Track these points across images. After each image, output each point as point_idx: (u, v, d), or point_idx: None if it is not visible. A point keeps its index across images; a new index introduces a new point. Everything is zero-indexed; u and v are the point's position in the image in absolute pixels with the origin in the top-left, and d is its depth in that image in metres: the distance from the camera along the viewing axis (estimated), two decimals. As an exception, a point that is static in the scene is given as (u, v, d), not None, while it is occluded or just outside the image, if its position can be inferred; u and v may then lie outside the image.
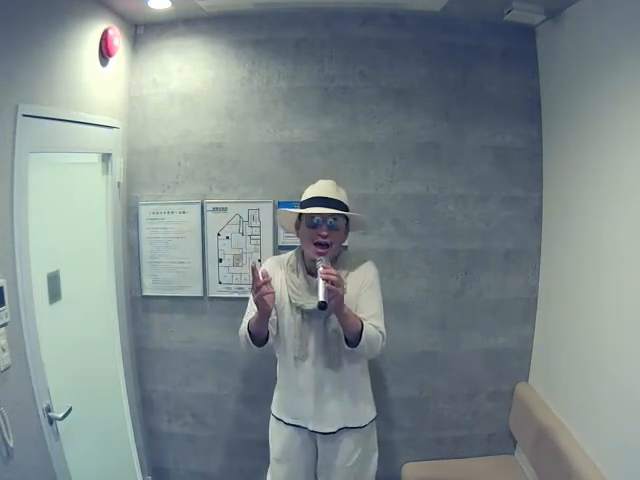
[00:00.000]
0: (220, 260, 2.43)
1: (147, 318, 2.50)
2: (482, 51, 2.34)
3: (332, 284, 1.59)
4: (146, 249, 2.45)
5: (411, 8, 2.23)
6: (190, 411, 2.55)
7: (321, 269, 1.65)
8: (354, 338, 1.70)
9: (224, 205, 2.40)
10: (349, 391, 1.87)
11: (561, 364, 2.17)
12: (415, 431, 2.54)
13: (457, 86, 2.35)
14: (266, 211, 2.39)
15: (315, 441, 1.91)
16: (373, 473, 2.00)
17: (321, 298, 1.58)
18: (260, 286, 1.59)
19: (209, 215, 2.41)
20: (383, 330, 1.79)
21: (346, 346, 1.75)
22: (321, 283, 1.61)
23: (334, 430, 1.85)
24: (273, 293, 1.65)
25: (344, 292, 1.65)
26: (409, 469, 2.49)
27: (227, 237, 2.42)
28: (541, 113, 2.37)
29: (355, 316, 1.72)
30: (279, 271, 1.88)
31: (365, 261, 1.92)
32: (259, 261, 2.38)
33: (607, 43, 1.81)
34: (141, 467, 2.43)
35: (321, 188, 1.83)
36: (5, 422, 1.42)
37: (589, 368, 1.93)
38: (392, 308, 2.44)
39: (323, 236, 1.75)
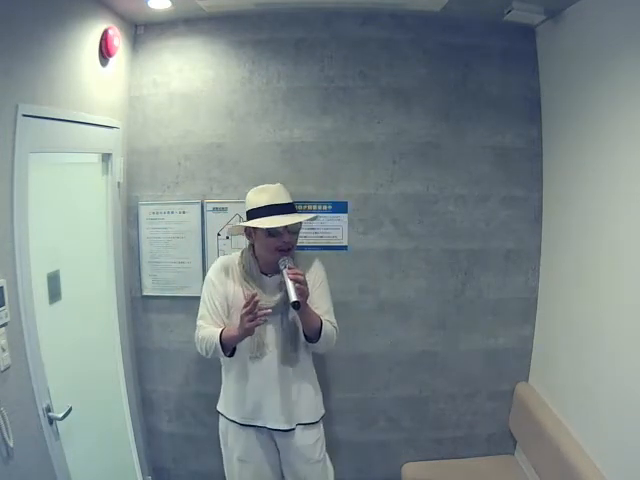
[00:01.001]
0: (218, 258, 2.42)
1: (147, 318, 2.50)
2: (482, 51, 2.34)
3: (300, 283, 1.67)
4: (146, 249, 2.45)
5: (411, 8, 2.23)
6: (190, 411, 2.55)
7: (287, 270, 1.71)
8: (314, 334, 1.79)
9: (224, 205, 2.40)
10: (302, 386, 1.92)
11: (561, 364, 2.17)
12: (415, 431, 2.54)
13: (457, 86, 2.35)
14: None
15: (274, 439, 1.94)
16: (332, 472, 2.06)
17: (295, 298, 1.65)
18: (259, 316, 1.66)
19: (209, 215, 2.41)
20: (336, 325, 1.89)
21: (305, 341, 1.83)
22: (290, 284, 1.67)
23: (292, 427, 1.89)
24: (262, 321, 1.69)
25: (308, 292, 1.72)
26: (409, 469, 2.49)
27: (227, 237, 2.42)
28: (541, 113, 2.37)
29: (315, 313, 1.80)
30: (230, 271, 1.91)
31: (314, 260, 1.98)
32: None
33: (607, 43, 1.81)
34: (141, 467, 2.43)
35: (274, 194, 1.84)
36: (5, 422, 1.42)
37: (589, 368, 1.93)
38: (392, 308, 2.46)
39: (287, 242, 1.79)
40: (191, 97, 2.38)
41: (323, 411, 2.02)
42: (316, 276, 1.92)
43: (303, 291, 1.68)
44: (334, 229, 2.40)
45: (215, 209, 2.40)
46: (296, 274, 1.69)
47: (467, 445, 2.55)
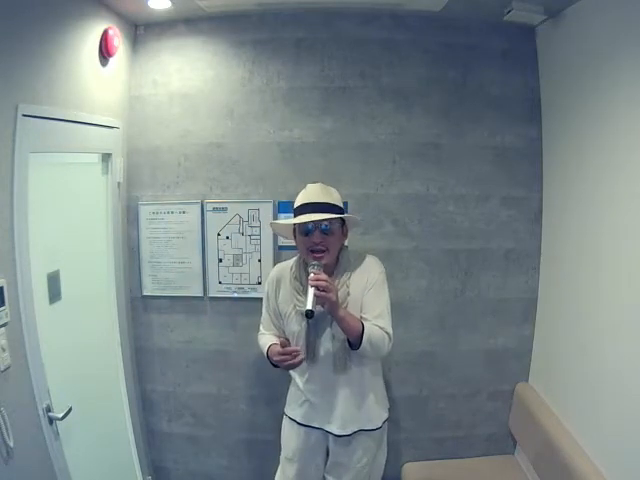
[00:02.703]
0: (220, 260, 2.43)
1: (147, 318, 2.50)
2: (482, 51, 2.34)
3: (323, 290, 1.61)
4: (146, 249, 2.45)
5: (411, 8, 2.23)
6: (190, 411, 2.55)
7: (311, 275, 1.66)
8: (356, 340, 1.70)
9: (224, 205, 2.40)
10: (360, 393, 1.86)
11: (561, 364, 2.17)
12: (415, 431, 2.54)
13: (457, 86, 2.35)
14: (266, 211, 2.39)
15: (327, 441, 1.92)
16: (381, 473, 2.03)
17: (308, 307, 1.59)
18: (288, 360, 1.69)
19: (209, 215, 2.41)
20: (389, 330, 1.77)
21: (350, 348, 1.75)
22: (310, 291, 1.62)
23: (349, 433, 1.85)
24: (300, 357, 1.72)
25: (336, 296, 1.66)
26: (409, 469, 2.49)
27: (227, 237, 2.42)
28: (541, 113, 2.37)
29: (354, 318, 1.72)
30: (283, 279, 1.90)
31: (368, 259, 1.89)
32: (259, 261, 2.40)
33: (607, 43, 1.81)
34: (141, 467, 2.43)
35: (309, 193, 1.82)
36: (5, 422, 1.42)
37: (589, 368, 1.93)
38: (392, 308, 2.44)
39: (316, 242, 1.74)
40: (191, 97, 2.38)
41: (385, 415, 1.95)
42: (369, 277, 1.82)
43: (325, 298, 1.61)
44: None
45: (215, 209, 2.40)
46: (317, 280, 1.63)
47: (467, 445, 2.55)
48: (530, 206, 2.41)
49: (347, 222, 1.86)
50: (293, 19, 2.31)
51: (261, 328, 1.99)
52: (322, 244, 1.74)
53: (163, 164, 2.41)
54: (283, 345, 1.76)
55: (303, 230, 1.76)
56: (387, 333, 1.76)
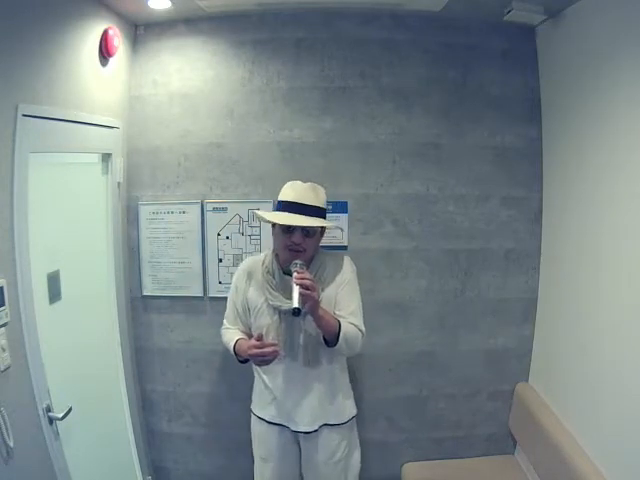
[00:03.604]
0: (220, 260, 2.43)
1: (147, 318, 2.50)
2: (482, 51, 2.34)
3: (307, 288, 1.62)
4: (146, 249, 2.45)
5: (411, 8, 2.23)
6: (190, 411, 2.55)
7: (295, 274, 1.66)
8: (332, 338, 1.73)
9: (224, 205, 2.40)
10: (329, 388, 1.89)
11: (561, 364, 2.17)
12: (415, 431, 2.54)
13: (457, 86, 2.35)
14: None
15: (298, 439, 1.93)
16: (357, 471, 2.03)
17: (295, 305, 1.60)
18: (267, 354, 1.66)
19: (209, 215, 2.41)
20: (362, 328, 1.82)
21: (325, 345, 1.77)
22: (295, 289, 1.62)
23: (315, 428, 1.88)
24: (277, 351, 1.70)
25: (319, 295, 1.68)
26: (409, 469, 2.49)
27: (227, 237, 2.42)
28: (541, 113, 2.37)
29: (332, 317, 1.74)
30: (254, 273, 1.90)
31: (342, 258, 1.93)
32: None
33: (607, 43, 1.81)
34: (141, 467, 2.43)
35: (298, 193, 1.81)
36: (5, 422, 1.42)
37: (589, 368, 1.93)
38: (392, 308, 2.46)
39: (297, 243, 1.75)
40: (191, 97, 2.38)
41: (354, 412, 1.98)
42: (343, 275, 1.86)
43: (309, 297, 1.63)
44: (334, 229, 2.40)
45: (215, 209, 2.40)
46: (303, 278, 1.64)
47: (467, 445, 2.55)
48: (530, 206, 2.41)
49: (329, 228, 1.89)
50: (293, 19, 2.31)
51: (225, 323, 1.97)
52: (301, 245, 1.76)
53: (163, 164, 2.41)
54: (259, 339, 1.70)
55: (285, 227, 1.77)
56: (360, 330, 1.80)
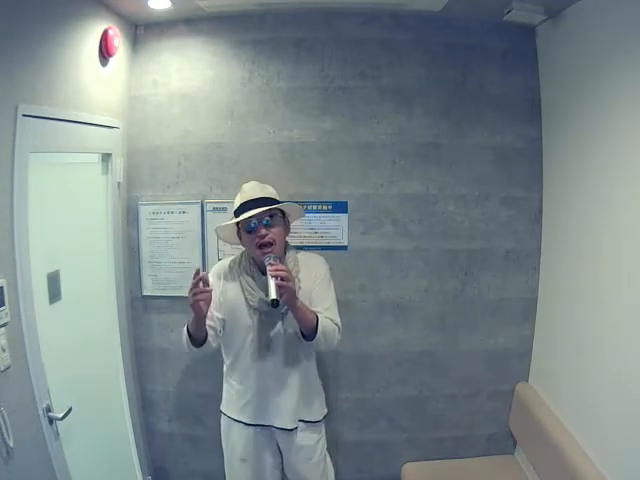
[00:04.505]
0: (220, 260, 2.43)
1: (147, 318, 2.50)
2: (482, 51, 2.34)
3: (282, 279, 1.62)
4: (146, 249, 2.45)
5: (411, 8, 2.23)
6: (190, 411, 2.55)
7: (269, 267, 1.67)
8: (310, 332, 1.75)
9: (224, 205, 2.40)
10: (305, 385, 1.92)
11: (561, 364, 2.17)
12: (415, 431, 2.54)
13: (457, 86, 2.35)
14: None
15: (276, 440, 1.95)
16: (333, 474, 2.07)
17: (272, 296, 1.61)
18: (197, 292, 1.61)
19: (209, 215, 2.41)
20: (339, 322, 1.85)
21: (303, 340, 1.79)
22: (271, 281, 1.63)
23: (295, 426, 1.90)
24: (207, 300, 1.65)
25: (295, 286, 1.69)
26: (409, 469, 2.49)
27: (227, 237, 2.42)
28: (541, 113, 2.37)
29: (310, 310, 1.77)
30: (229, 275, 1.90)
31: (314, 256, 1.97)
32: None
33: (607, 43, 1.81)
34: (141, 467, 2.43)
35: (246, 192, 1.86)
36: (5, 422, 1.42)
37: (589, 368, 1.93)
38: (392, 308, 2.46)
39: (262, 236, 1.77)
40: (191, 97, 2.38)
41: (326, 411, 2.03)
42: (317, 273, 1.90)
43: (286, 288, 1.63)
44: (334, 229, 2.40)
45: (215, 209, 2.40)
46: (277, 270, 1.65)
47: (467, 445, 2.55)
48: (530, 206, 2.41)
49: (288, 213, 1.90)
50: (293, 19, 2.31)
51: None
52: (268, 236, 1.77)
53: (163, 164, 2.41)
54: (204, 279, 1.64)
55: (247, 228, 1.79)
56: (337, 325, 1.84)
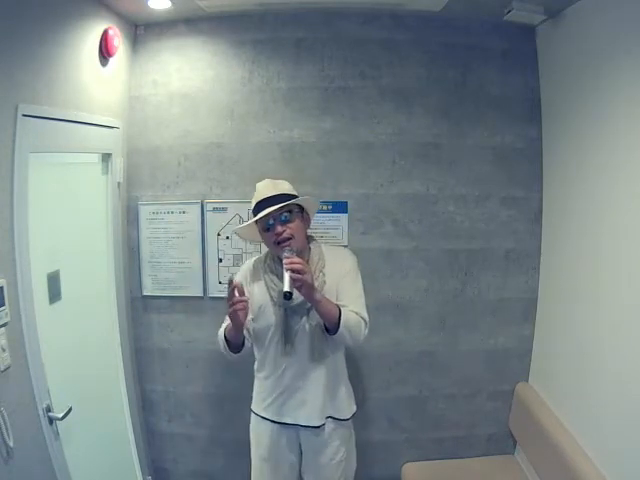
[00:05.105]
0: (220, 260, 2.43)
1: (147, 318, 2.50)
2: (482, 51, 2.34)
3: (298, 272, 1.62)
4: (146, 249, 2.45)
5: (411, 8, 2.23)
6: (190, 411, 2.55)
7: (285, 260, 1.67)
8: (333, 326, 1.72)
9: (224, 205, 2.40)
10: (334, 384, 1.89)
11: (561, 364, 2.17)
12: (415, 431, 2.54)
13: (457, 86, 2.35)
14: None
15: (299, 439, 1.93)
16: (353, 473, 2.03)
17: (285, 288, 1.61)
18: (235, 302, 1.63)
19: (209, 215, 2.41)
20: (365, 316, 1.82)
21: (328, 335, 1.77)
22: (286, 274, 1.63)
23: (323, 422, 1.87)
24: (245, 309, 1.67)
25: (312, 279, 1.67)
26: (409, 469, 2.49)
27: (227, 237, 2.42)
28: (541, 113, 2.37)
29: (332, 303, 1.74)
30: (255, 274, 1.90)
31: (341, 249, 1.95)
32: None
33: (607, 43, 1.81)
34: (141, 467, 2.43)
35: (259, 191, 1.85)
36: (5, 422, 1.42)
37: (589, 368, 1.93)
38: (392, 308, 2.46)
39: (279, 233, 1.76)
40: (191, 97, 2.38)
41: (355, 408, 1.98)
42: (343, 266, 1.87)
43: (301, 280, 1.62)
44: (334, 229, 2.40)
45: (215, 209, 2.40)
46: (292, 263, 1.64)
47: (467, 445, 2.55)
48: (530, 206, 2.41)
49: (306, 207, 1.88)
50: (293, 19, 2.31)
51: (224, 325, 1.90)
52: (285, 233, 1.76)
53: (163, 164, 2.41)
54: (240, 290, 1.66)
55: (265, 227, 1.79)
56: (363, 318, 1.80)
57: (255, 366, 1.97)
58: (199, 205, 2.40)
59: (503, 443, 2.55)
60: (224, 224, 2.41)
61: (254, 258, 2.00)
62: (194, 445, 2.58)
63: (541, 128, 2.37)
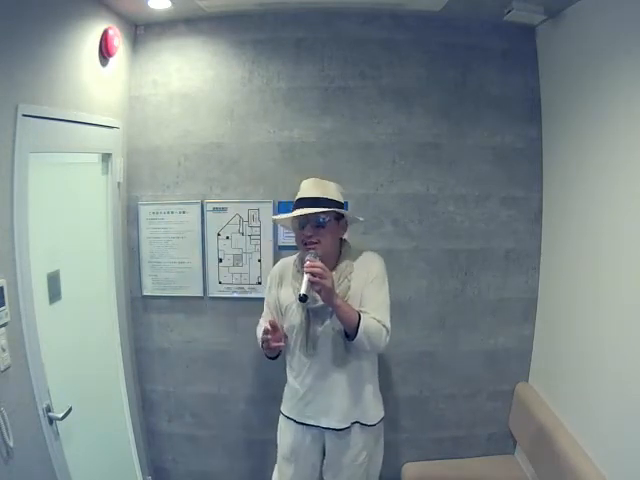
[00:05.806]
0: (220, 260, 2.43)
1: (147, 318, 2.50)
2: (482, 51, 2.34)
3: (318, 276, 1.62)
4: (146, 249, 2.45)
5: (411, 8, 2.23)
6: (190, 411, 2.55)
7: (307, 263, 1.68)
8: (352, 331, 1.71)
9: (224, 205, 2.40)
10: (358, 387, 1.87)
11: (561, 364, 2.17)
12: (415, 431, 2.54)
13: (457, 86, 2.35)
14: (266, 211, 2.39)
15: (323, 440, 1.92)
16: (378, 473, 2.01)
17: (302, 291, 1.63)
18: (271, 340, 1.73)
19: (209, 215, 2.41)
20: (387, 323, 1.78)
21: (347, 339, 1.76)
22: (305, 277, 1.64)
23: (346, 426, 1.85)
24: (279, 339, 1.77)
25: (331, 283, 1.67)
26: (409, 469, 2.49)
27: (227, 237, 2.42)
28: (541, 113, 2.37)
29: (351, 309, 1.73)
30: (287, 272, 1.92)
31: (370, 254, 1.91)
32: (259, 261, 2.41)
33: (607, 43, 1.81)
34: (141, 467, 2.43)
35: (303, 189, 1.84)
36: (5, 422, 1.42)
37: (589, 368, 1.93)
38: (392, 308, 2.44)
39: (308, 236, 1.76)
40: (191, 97, 2.38)
41: (382, 414, 1.95)
42: (370, 271, 1.84)
43: (319, 284, 1.62)
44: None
45: (215, 209, 2.40)
46: (311, 266, 1.64)
47: (467, 445, 2.55)
48: (530, 206, 2.41)
49: (347, 216, 1.87)
50: (293, 19, 2.31)
51: (261, 321, 1.97)
52: (313, 237, 1.76)
53: (163, 164, 2.41)
54: (272, 325, 1.76)
55: (298, 224, 1.80)
56: (384, 326, 1.76)
57: (286, 366, 1.97)
58: (199, 205, 2.40)
59: (503, 443, 2.55)
60: (224, 224, 2.41)
61: (283, 260, 2.01)
62: (194, 445, 2.58)
63: (541, 128, 2.37)
